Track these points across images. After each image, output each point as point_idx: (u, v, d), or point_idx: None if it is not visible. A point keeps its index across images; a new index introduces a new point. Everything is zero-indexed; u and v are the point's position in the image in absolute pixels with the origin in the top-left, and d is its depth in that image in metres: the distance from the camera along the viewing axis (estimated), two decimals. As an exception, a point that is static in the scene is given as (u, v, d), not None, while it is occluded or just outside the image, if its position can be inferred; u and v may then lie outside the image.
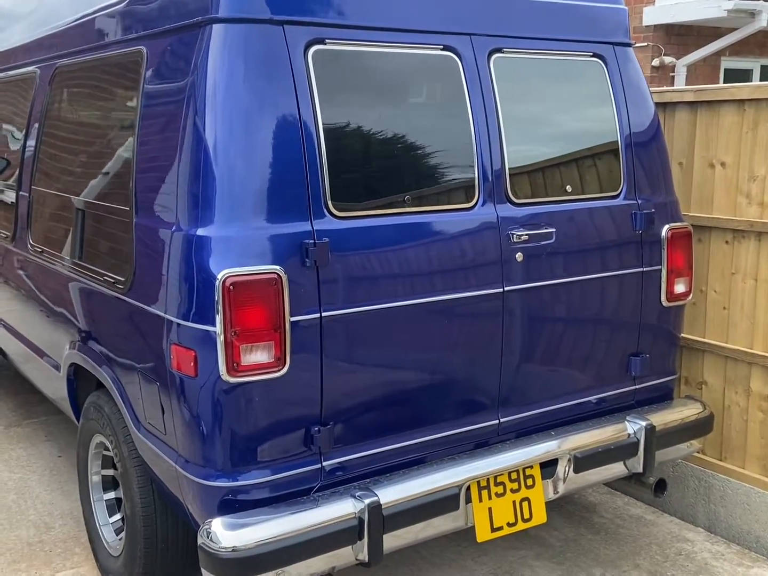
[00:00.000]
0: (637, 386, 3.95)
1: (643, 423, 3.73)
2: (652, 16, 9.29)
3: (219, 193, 2.87)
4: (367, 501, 3.00)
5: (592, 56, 3.75)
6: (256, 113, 2.91)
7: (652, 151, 3.90)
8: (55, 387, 4.43)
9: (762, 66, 10.82)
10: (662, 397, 4.08)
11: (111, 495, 4.06)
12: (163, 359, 3.05)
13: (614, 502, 4.76)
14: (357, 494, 3.05)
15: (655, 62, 9.46)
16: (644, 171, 3.86)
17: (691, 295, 4.05)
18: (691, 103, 4.40)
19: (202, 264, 2.85)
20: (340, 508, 3.01)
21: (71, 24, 4.14)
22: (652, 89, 4.49)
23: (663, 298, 3.91)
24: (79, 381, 4.16)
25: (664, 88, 4.97)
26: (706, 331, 4.45)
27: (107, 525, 3.99)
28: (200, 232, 2.87)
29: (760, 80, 10.89)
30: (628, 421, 3.78)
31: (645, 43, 9.48)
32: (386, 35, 3.19)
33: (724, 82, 10.39)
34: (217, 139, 2.88)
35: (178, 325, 2.93)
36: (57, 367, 4.27)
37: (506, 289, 3.41)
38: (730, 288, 4.32)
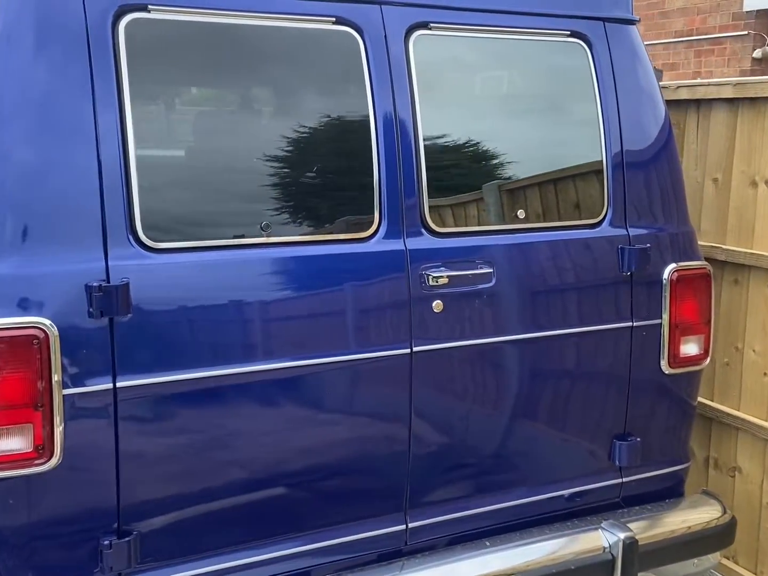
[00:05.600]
0: (624, 479, 2.94)
1: (621, 535, 2.73)
2: (754, 1, 8.01)
3: None
4: None
5: (569, 36, 2.77)
6: (25, 94, 2.09)
7: (657, 166, 2.88)
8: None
9: None
10: (666, 492, 3.05)
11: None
12: None
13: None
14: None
15: (757, 53, 8.14)
16: (643, 191, 2.85)
17: (708, 359, 3.00)
18: (731, 101, 3.33)
19: None
20: None
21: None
22: (681, 82, 3.47)
23: (663, 363, 2.88)
24: None
25: (698, 80, 3.91)
26: (742, 402, 3.37)
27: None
28: None
29: None
30: (602, 529, 2.78)
31: (745, 32, 8.18)
32: (247, 2, 2.33)
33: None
34: None
35: None
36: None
37: (416, 349, 2.50)
38: (774, 348, 3.24)
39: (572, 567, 2.69)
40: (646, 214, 2.86)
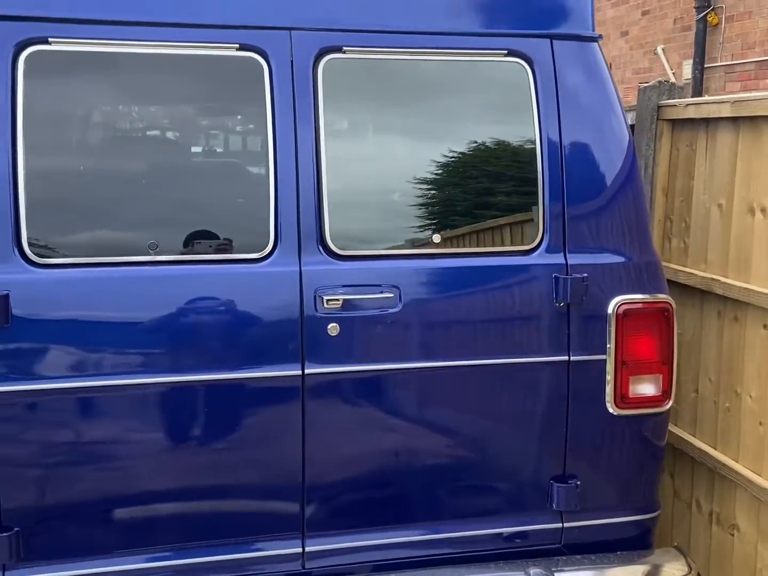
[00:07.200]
0: (565, 524, 2.74)
1: (543, 584, 2.56)
2: None
3: None
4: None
5: (506, 55, 2.65)
6: None
7: (612, 193, 2.69)
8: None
9: None
10: (627, 543, 2.81)
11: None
12: None
13: None
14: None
15: None
16: (591, 220, 2.67)
17: (670, 401, 2.74)
18: (735, 120, 3.04)
19: None
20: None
21: None
22: (690, 99, 3.22)
23: (610, 402, 2.67)
24: None
25: (705, 98, 3.59)
26: (740, 454, 3.04)
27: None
28: None
29: None
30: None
31: None
32: (149, 32, 2.45)
33: None
34: None
35: None
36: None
37: (308, 371, 2.49)
38: (771, 395, 2.90)
39: (482, 614, 2.56)
40: (594, 243, 2.67)
